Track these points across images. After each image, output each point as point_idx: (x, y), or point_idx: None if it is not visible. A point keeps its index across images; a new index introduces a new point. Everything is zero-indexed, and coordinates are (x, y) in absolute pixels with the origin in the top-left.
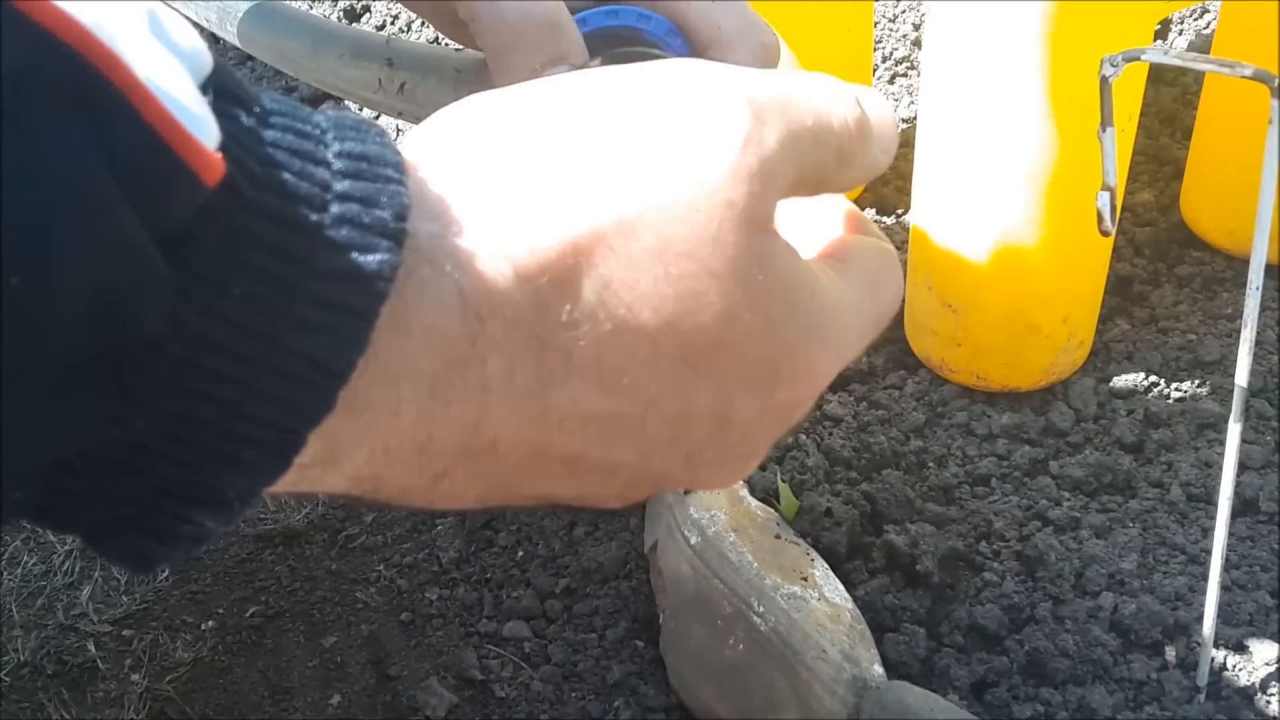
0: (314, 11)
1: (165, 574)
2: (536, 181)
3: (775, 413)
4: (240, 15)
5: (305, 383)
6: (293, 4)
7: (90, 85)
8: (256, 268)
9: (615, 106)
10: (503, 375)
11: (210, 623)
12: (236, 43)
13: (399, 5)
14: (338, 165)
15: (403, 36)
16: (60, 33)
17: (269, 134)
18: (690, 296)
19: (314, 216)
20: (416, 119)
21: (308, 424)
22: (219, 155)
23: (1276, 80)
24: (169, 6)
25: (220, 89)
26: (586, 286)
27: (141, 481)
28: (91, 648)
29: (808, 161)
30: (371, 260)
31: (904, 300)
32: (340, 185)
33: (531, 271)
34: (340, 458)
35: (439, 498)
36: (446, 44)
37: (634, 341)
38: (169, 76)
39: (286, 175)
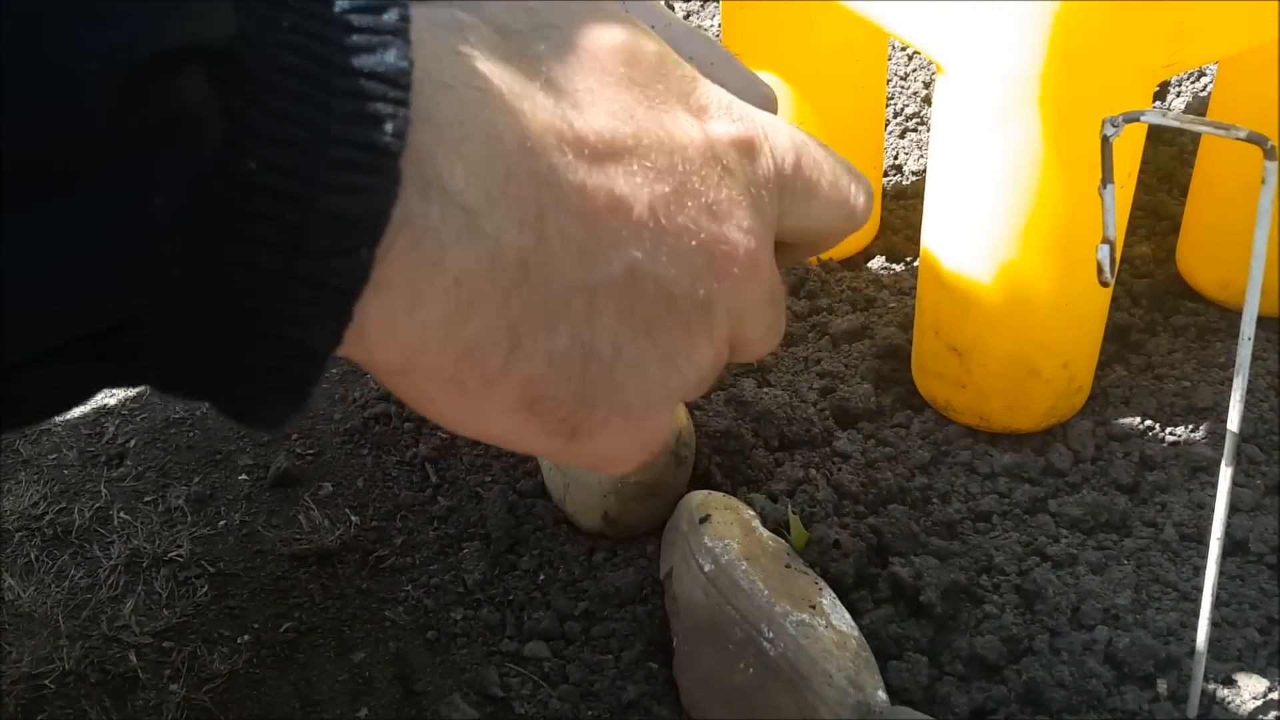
0: None
1: (205, 590)
2: None
3: (725, 143)
4: None
5: (376, 97)
6: None
7: None
8: (293, 4)
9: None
10: (513, 79)
11: (246, 637)
12: None
13: None
14: None
15: None
16: None
17: None
18: (600, 23)
19: (332, 31)
20: None
21: (396, 138)
22: None
23: (1269, 143)
24: None
25: None
26: (530, 28)
27: (268, 236)
28: (133, 658)
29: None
30: (391, 56)
31: (911, 344)
32: (341, 3)
33: (483, 13)
34: (444, 179)
35: (548, 263)
36: None
37: (585, 60)
38: None
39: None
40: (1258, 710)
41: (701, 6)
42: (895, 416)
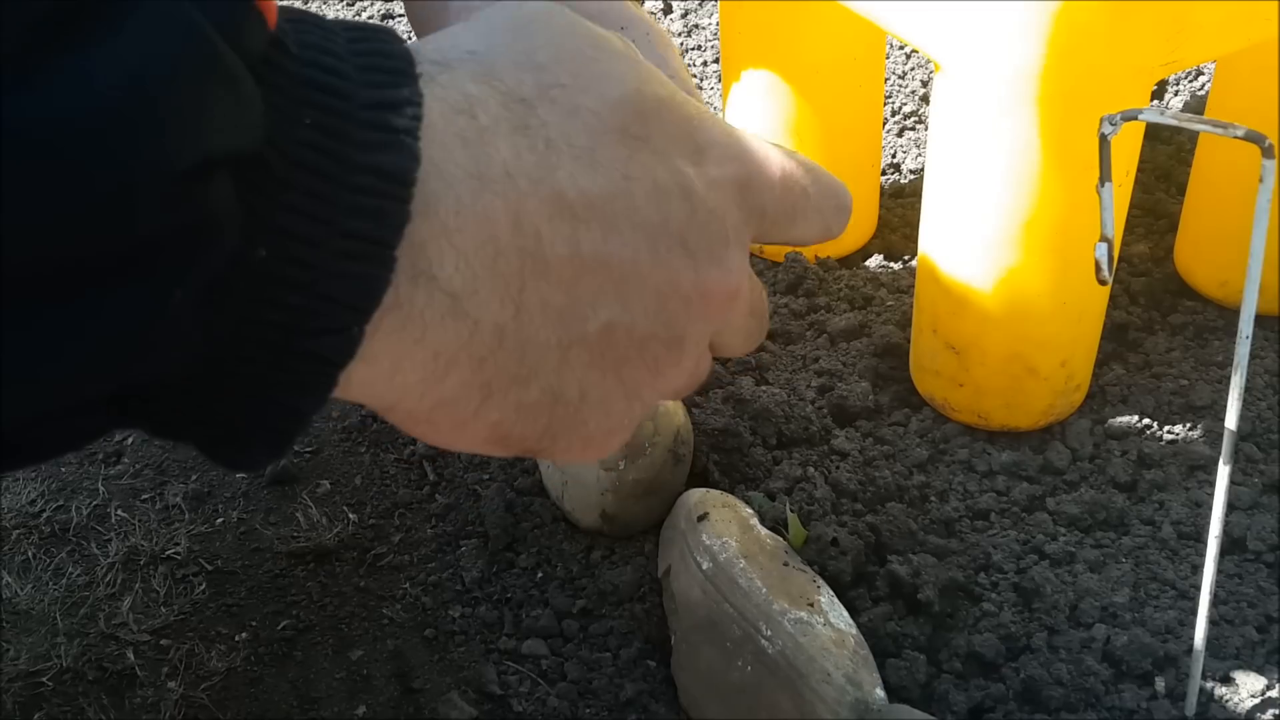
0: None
1: (202, 587)
2: (498, 45)
3: (718, 186)
4: None
5: (381, 194)
6: None
7: None
8: (317, 103)
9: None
10: (513, 157)
11: (244, 634)
12: None
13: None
14: (344, 34)
15: None
16: None
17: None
18: (605, 78)
19: (345, 65)
20: None
21: (394, 232)
22: (274, 1)
23: (1267, 141)
24: None
25: None
26: (537, 91)
27: (270, 316)
28: (130, 656)
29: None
30: (402, 93)
31: (909, 342)
32: (356, 46)
33: (493, 82)
34: (433, 268)
35: (524, 330)
36: None
37: (587, 119)
38: None
39: (312, 35)
40: (1255, 708)
41: (699, 5)
42: (893, 415)
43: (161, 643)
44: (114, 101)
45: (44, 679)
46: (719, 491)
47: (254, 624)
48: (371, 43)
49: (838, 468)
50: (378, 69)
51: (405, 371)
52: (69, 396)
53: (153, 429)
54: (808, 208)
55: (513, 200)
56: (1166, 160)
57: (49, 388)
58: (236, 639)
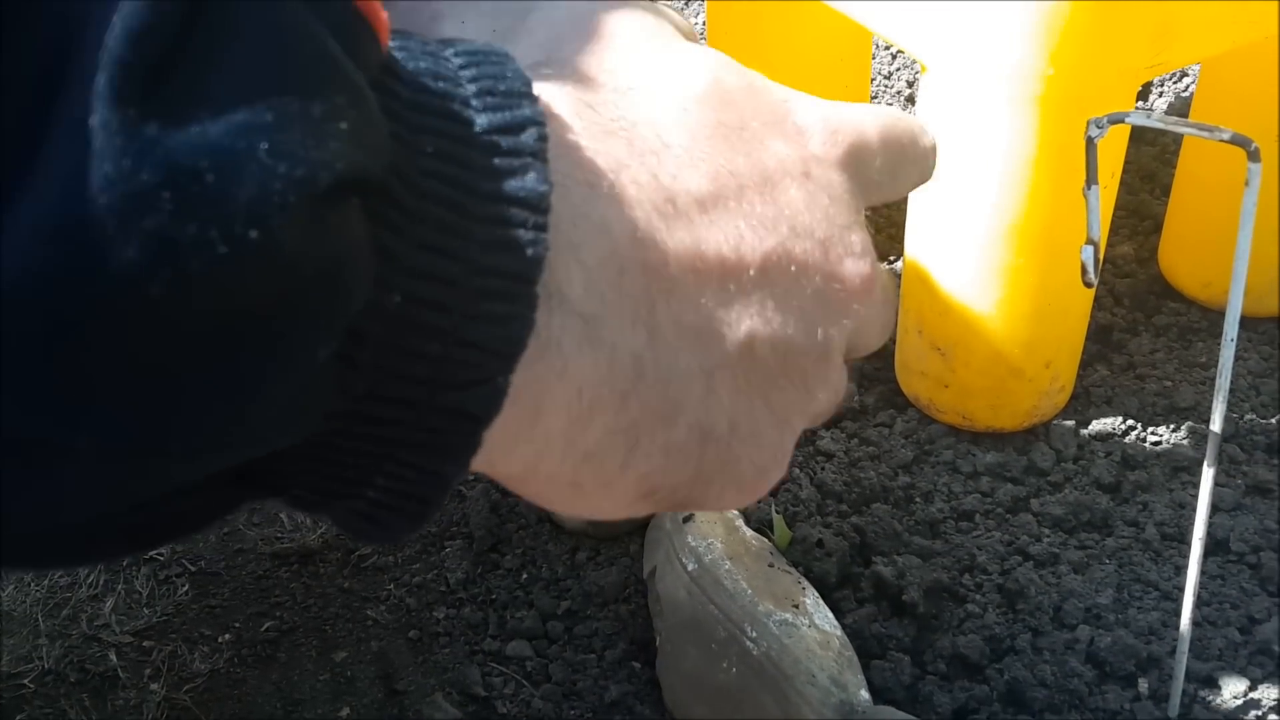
0: None
1: (185, 589)
2: (561, 55)
3: (828, 164)
4: None
5: (519, 223)
6: None
7: None
8: (437, 129)
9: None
10: (612, 163)
11: (227, 636)
12: None
13: None
14: (455, 56)
15: None
16: None
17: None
18: (681, 69)
19: (460, 89)
20: None
21: (535, 266)
22: (385, 14)
23: (1253, 144)
24: None
25: None
26: (615, 95)
27: (410, 370)
28: (113, 657)
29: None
30: (524, 112)
31: (894, 343)
32: (468, 70)
33: (568, 90)
34: (563, 287)
35: (662, 357)
36: None
37: (676, 116)
38: None
39: (422, 60)
40: (1238, 709)
41: (685, 5)
42: (878, 416)
43: (144, 644)
44: (242, 120)
45: (25, 681)
46: None
47: (237, 625)
48: (484, 65)
49: (823, 469)
50: (493, 91)
51: (548, 415)
52: (218, 462)
53: (289, 502)
54: (905, 160)
55: (624, 209)
56: (1151, 161)
57: (203, 453)
58: (219, 640)
